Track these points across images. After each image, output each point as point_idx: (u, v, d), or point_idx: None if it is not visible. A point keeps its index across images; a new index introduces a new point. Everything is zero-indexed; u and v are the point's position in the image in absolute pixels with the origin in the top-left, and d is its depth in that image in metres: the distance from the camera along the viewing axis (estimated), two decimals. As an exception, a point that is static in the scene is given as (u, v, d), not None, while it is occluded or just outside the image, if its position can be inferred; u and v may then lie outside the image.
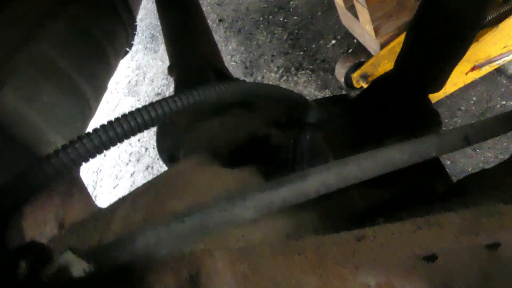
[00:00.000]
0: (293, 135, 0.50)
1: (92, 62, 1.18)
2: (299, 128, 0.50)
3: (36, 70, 0.97)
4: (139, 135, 2.76)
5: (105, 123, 0.35)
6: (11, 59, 0.91)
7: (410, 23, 0.61)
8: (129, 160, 2.59)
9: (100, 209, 0.44)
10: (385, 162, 0.34)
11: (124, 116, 0.35)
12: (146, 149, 2.55)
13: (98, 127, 0.36)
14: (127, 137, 0.35)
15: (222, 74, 0.94)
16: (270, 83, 2.36)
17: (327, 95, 2.06)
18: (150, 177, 2.71)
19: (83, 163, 0.38)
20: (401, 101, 0.56)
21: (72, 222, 0.42)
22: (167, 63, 3.67)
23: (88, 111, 1.13)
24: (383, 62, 1.91)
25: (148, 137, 2.57)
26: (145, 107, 0.35)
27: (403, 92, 0.58)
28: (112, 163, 2.73)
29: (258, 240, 0.37)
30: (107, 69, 1.29)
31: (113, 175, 2.57)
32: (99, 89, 1.22)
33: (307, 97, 2.00)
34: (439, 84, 0.62)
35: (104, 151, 0.36)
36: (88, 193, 0.48)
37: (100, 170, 2.86)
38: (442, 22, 0.62)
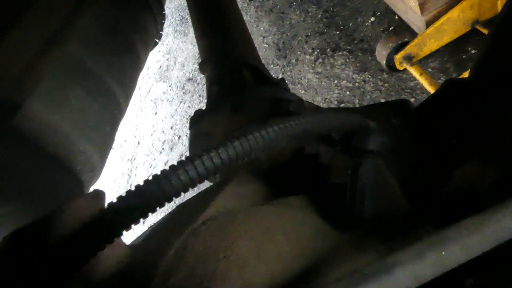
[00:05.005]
0: (351, 164, 0.42)
1: (121, 59, 1.13)
2: (358, 156, 0.42)
3: (63, 74, 0.93)
4: (171, 122, 2.73)
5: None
6: (37, 64, 0.87)
7: (498, 18, 0.50)
8: (163, 149, 2.56)
9: (136, 261, 0.38)
10: (496, 235, 0.25)
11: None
12: (179, 137, 2.51)
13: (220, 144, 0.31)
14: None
15: (259, 73, 0.86)
16: (305, 66, 2.25)
17: (367, 78, 1.93)
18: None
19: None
20: (483, 118, 0.47)
21: (104, 272, 0.36)
22: (194, 47, 3.57)
23: (118, 113, 1.09)
24: (429, 42, 1.76)
25: (181, 125, 2.53)
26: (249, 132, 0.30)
27: (483, 106, 0.48)
28: (146, 151, 2.73)
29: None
30: (137, 64, 1.23)
31: (147, 164, 2.56)
32: (129, 87, 1.17)
33: (346, 81, 1.88)
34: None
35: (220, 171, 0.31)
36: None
37: (135, 158, 2.87)
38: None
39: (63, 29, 0.90)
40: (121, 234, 0.32)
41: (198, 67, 2.99)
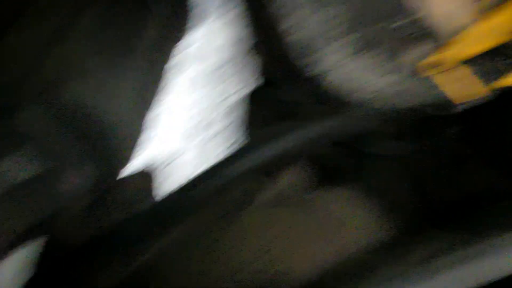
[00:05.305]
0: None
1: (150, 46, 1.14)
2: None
3: (99, 57, 0.95)
4: (195, 109, 2.77)
5: None
6: (39, 64, 0.91)
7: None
8: (194, 129, 2.62)
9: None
10: None
11: None
12: (211, 119, 2.55)
13: None
14: None
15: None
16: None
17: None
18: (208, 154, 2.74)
19: None
20: (483, 119, 0.45)
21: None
22: (236, 30, 3.59)
23: (147, 100, 1.12)
24: (461, 47, 1.66)
25: (213, 107, 2.56)
26: None
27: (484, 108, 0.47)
28: (169, 137, 2.78)
29: None
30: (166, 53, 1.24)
31: (168, 150, 2.62)
32: (158, 76, 1.19)
33: (369, 84, 1.82)
34: None
35: None
36: None
37: (163, 138, 2.94)
38: None
39: (64, 28, 0.93)
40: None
41: (234, 52, 3.01)
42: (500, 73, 1.60)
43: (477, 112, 0.49)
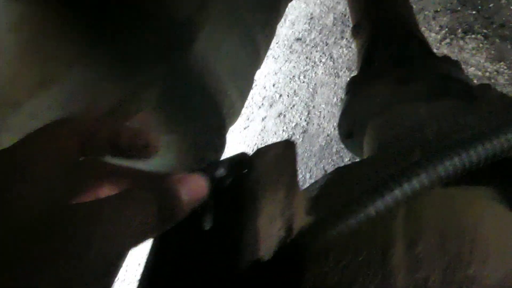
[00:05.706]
0: None
1: (266, 6, 1.12)
2: None
3: (223, 19, 0.94)
4: (274, 79, 2.73)
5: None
6: (207, 8, 0.88)
7: None
8: (262, 104, 2.59)
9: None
10: None
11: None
12: (280, 95, 2.52)
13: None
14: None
15: (425, 45, 0.80)
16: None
17: (501, 69, 1.75)
18: (281, 126, 2.72)
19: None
20: None
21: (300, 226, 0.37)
22: (311, 6, 3.48)
23: (258, 63, 1.10)
24: None
25: (283, 84, 2.53)
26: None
27: None
28: (245, 104, 2.77)
29: None
30: (279, 13, 1.22)
31: (245, 116, 2.61)
32: (269, 37, 1.17)
33: (474, 68, 1.72)
34: None
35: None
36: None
37: (231, 107, 2.93)
38: None
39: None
40: None
41: (308, 27, 2.89)
42: None
43: None
